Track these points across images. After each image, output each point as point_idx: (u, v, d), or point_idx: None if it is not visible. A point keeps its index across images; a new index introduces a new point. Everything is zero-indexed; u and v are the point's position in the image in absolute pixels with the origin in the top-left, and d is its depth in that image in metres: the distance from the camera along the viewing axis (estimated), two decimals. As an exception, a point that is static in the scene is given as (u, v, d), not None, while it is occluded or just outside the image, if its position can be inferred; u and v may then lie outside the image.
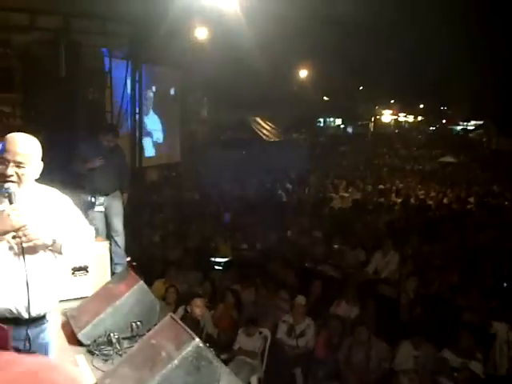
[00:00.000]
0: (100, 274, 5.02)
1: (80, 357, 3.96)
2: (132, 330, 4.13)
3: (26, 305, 2.31)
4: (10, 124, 7.46)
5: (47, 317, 2.54)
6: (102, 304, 4.21)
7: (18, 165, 2.33)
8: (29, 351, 2.39)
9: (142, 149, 10.57)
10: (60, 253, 2.46)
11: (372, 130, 50.10)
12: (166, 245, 8.86)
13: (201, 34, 14.32)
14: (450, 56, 40.79)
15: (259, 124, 29.11)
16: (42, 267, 2.41)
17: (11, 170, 2.31)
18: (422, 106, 56.10)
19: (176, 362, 3.09)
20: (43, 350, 2.54)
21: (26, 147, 2.37)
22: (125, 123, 10.19)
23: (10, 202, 2.30)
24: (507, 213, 11.88)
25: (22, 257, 2.30)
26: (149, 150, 13.42)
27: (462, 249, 8.66)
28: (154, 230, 9.52)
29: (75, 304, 4.48)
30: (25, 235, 2.27)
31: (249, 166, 18.12)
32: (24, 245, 2.28)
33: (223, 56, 18.32)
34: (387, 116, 54.78)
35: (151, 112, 13.41)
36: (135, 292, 4.20)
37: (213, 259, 8.52)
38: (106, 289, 4.44)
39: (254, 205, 12.08)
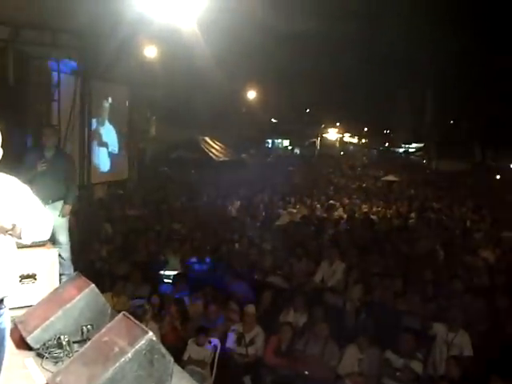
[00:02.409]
0: (48, 282, 4.95)
1: (29, 360, 3.92)
2: (83, 333, 4.12)
3: None
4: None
5: (4, 302, 2.55)
6: (52, 308, 4.18)
7: None
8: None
9: (90, 164, 10.46)
10: (19, 238, 2.49)
11: (318, 150, 51.34)
12: (113, 259, 8.77)
13: (150, 52, 14.40)
14: (393, 82, 42.63)
15: (208, 144, 29.26)
16: (0, 251, 2.44)
17: None
18: (366, 129, 58.21)
19: (129, 355, 3.14)
20: (1, 334, 2.55)
21: None
22: (72, 140, 10.07)
23: None
24: (445, 226, 12.49)
25: None
26: (103, 163, 13.26)
27: (403, 258, 9.06)
28: (101, 244, 9.40)
29: (22, 312, 4.41)
30: None
31: (198, 183, 18.21)
32: None
33: (173, 75, 18.44)
34: (333, 134, 56.39)
35: (106, 122, 13.30)
36: (86, 295, 4.19)
37: (162, 272, 8.52)
38: (55, 293, 4.40)
39: (204, 219, 12.17)
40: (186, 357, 6.12)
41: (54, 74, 9.27)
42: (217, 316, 6.92)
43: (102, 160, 13.21)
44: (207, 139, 29.09)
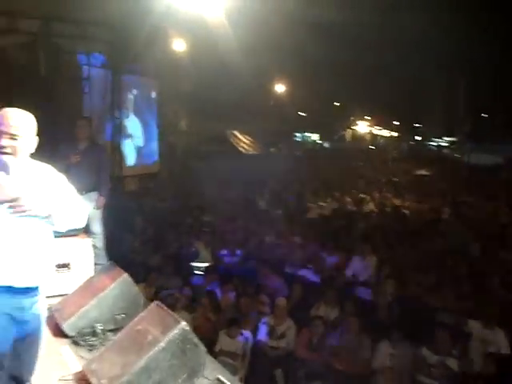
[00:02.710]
0: (83, 272, 5.03)
1: (65, 347, 3.99)
2: (116, 321, 4.17)
3: (21, 274, 2.36)
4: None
5: (40, 289, 2.58)
6: (87, 296, 4.23)
7: (12, 137, 2.38)
8: (23, 321, 2.44)
9: (121, 156, 10.54)
10: (55, 225, 2.51)
11: (348, 144, 50.84)
12: (146, 250, 8.86)
13: (179, 44, 14.44)
14: (425, 75, 41.88)
15: (237, 137, 29.38)
16: (36, 239, 2.46)
17: (5, 141, 2.36)
18: (396, 122, 57.34)
19: (162, 344, 3.14)
20: (38, 320, 2.58)
21: (20, 120, 2.44)
22: (103, 132, 10.19)
23: (6, 174, 2.35)
24: (478, 221, 12.20)
25: (17, 227, 2.35)
26: (130, 155, 13.35)
27: (437, 253, 8.88)
28: (134, 236, 9.51)
29: (57, 301, 4.48)
30: (19, 206, 2.31)
31: (228, 177, 18.24)
32: (18, 215, 2.32)
33: (201, 68, 18.48)
34: (363, 127, 55.72)
35: (131, 115, 13.35)
36: (120, 284, 4.24)
37: (193, 264, 8.56)
38: (90, 282, 4.46)
39: (234, 212, 12.18)
40: (217, 348, 6.13)
41: (85, 68, 9.39)
42: (248, 308, 6.90)
43: (128, 152, 13.28)
44: (236, 133, 29.19)
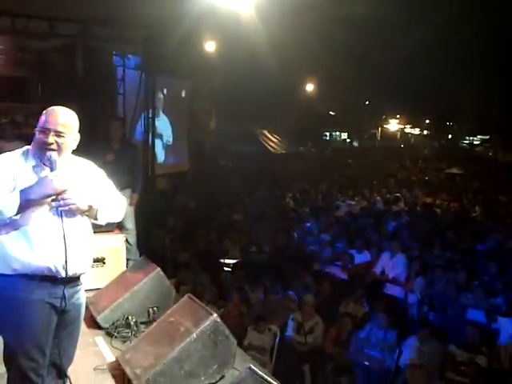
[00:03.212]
0: (116, 266, 5.18)
1: (99, 338, 4.15)
2: (149, 314, 4.31)
3: (64, 264, 2.49)
4: (22, 133, 7.66)
5: (81, 279, 2.72)
6: (120, 290, 4.39)
7: (58, 134, 2.52)
8: (64, 310, 2.58)
9: (153, 155, 10.72)
10: (95, 218, 2.65)
11: (378, 142, 50.27)
12: (175, 247, 9.03)
13: (211, 45, 14.62)
14: (456, 73, 41.03)
15: (266, 136, 29.45)
16: (78, 231, 2.59)
17: (52, 138, 2.51)
18: (427, 121, 56.44)
19: (194, 335, 3.25)
20: (78, 309, 2.72)
21: (66, 118, 2.58)
22: (136, 132, 10.39)
23: (52, 169, 2.49)
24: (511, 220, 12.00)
25: (61, 219, 2.49)
26: (159, 154, 13.55)
27: (467, 251, 8.79)
28: (164, 233, 9.69)
29: (92, 294, 4.64)
30: (64, 199, 2.46)
31: (257, 176, 18.36)
32: (62, 208, 2.47)
33: (231, 68, 18.62)
34: (394, 125, 54.99)
35: (161, 114, 13.55)
36: (152, 278, 4.38)
37: (222, 261, 8.68)
38: (123, 276, 4.62)
39: (263, 210, 12.28)
40: (246, 343, 6.22)
41: (119, 69, 9.62)
42: (276, 304, 6.98)
43: (158, 151, 13.45)
44: (265, 132, 29.27)
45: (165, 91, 13.46)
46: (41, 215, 2.48)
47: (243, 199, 14.12)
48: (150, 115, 9.67)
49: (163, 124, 13.81)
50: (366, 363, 5.92)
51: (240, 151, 24.24)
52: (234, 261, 8.55)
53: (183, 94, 14.81)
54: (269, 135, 29.81)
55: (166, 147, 14.13)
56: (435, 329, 5.99)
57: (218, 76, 17.38)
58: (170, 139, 14.37)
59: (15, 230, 2.45)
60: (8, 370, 2.54)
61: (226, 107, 21.95)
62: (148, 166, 10.08)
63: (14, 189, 2.43)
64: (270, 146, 29.12)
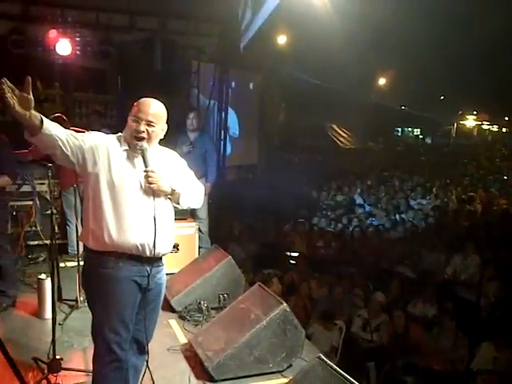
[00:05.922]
0: (189, 253, 5.38)
1: (172, 321, 4.34)
2: (220, 300, 4.45)
3: (152, 243, 2.64)
4: (102, 123, 8.04)
5: (163, 260, 2.87)
6: (193, 276, 4.56)
7: (149, 123, 2.68)
8: (148, 288, 2.73)
9: (224, 147, 10.93)
10: (178, 202, 2.78)
11: (454, 139, 48.30)
12: (244, 238, 9.19)
13: (282, 38, 14.63)
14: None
15: (335, 131, 29.09)
16: (165, 213, 2.75)
17: (143, 127, 2.67)
18: (507, 118, 53.53)
19: (264, 323, 3.33)
20: (159, 289, 2.87)
21: (157, 109, 2.74)
22: (209, 124, 10.63)
23: (143, 157, 2.65)
24: None
25: (147, 201, 2.64)
26: (228, 146, 13.72)
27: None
28: (234, 224, 9.88)
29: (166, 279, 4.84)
30: (152, 177, 2.60)
31: (325, 171, 18.23)
32: (150, 185, 2.61)
33: (302, 61, 18.55)
34: (470, 122, 52.60)
35: (229, 107, 13.71)
36: (224, 266, 4.51)
37: (288, 254, 8.74)
38: (196, 263, 4.80)
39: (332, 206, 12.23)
40: (310, 336, 6.26)
41: (194, 62, 9.85)
42: (342, 300, 6.96)
43: (227, 144, 13.60)
44: (334, 127, 28.93)
45: (233, 84, 13.60)
46: (133, 196, 2.64)
47: (311, 194, 14.08)
48: (223, 108, 9.84)
49: (231, 117, 13.97)
50: (433, 365, 5.80)
51: (308, 145, 24.11)
52: (300, 254, 8.58)
53: (251, 87, 14.89)
54: (338, 130, 29.41)
55: (234, 140, 14.32)
56: (510, 335, 5.75)
57: (288, 69, 17.37)
58: (237, 132, 14.54)
59: (108, 208, 2.59)
60: (95, 341, 2.71)
61: (295, 100, 21.89)
62: (219, 157, 10.28)
63: (103, 160, 2.60)
64: (339, 140, 28.73)
